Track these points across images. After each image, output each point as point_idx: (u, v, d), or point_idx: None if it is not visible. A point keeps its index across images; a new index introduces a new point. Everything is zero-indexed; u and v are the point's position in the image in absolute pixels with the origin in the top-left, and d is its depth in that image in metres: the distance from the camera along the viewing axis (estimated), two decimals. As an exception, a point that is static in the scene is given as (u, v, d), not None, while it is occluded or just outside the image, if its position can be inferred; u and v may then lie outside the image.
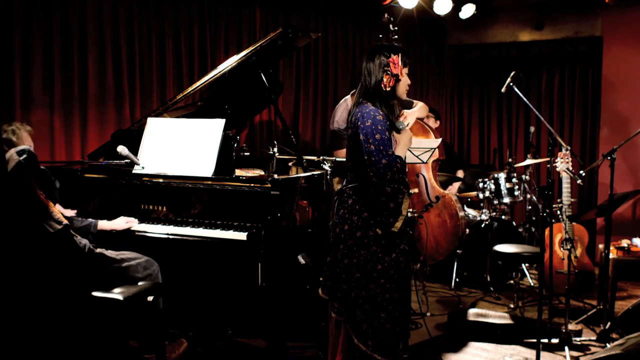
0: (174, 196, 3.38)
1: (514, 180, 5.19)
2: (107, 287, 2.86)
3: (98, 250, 2.98)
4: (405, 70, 2.77)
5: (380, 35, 4.76)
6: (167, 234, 3.25)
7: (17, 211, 2.65)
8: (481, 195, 5.26)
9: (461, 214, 4.82)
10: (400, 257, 2.71)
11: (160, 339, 3.06)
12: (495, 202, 5.22)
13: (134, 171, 3.46)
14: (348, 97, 4.60)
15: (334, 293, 2.75)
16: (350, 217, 2.71)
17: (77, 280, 2.82)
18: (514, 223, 5.40)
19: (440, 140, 3.93)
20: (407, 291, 2.80)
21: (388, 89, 2.72)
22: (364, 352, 2.67)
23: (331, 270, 2.77)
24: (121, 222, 3.30)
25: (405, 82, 2.78)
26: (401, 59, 2.73)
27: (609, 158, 3.79)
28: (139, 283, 2.97)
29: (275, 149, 3.92)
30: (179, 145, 3.48)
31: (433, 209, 4.62)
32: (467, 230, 5.06)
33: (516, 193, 5.19)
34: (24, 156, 2.74)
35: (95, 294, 2.80)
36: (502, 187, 5.18)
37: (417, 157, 3.76)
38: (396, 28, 4.85)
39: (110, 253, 3.00)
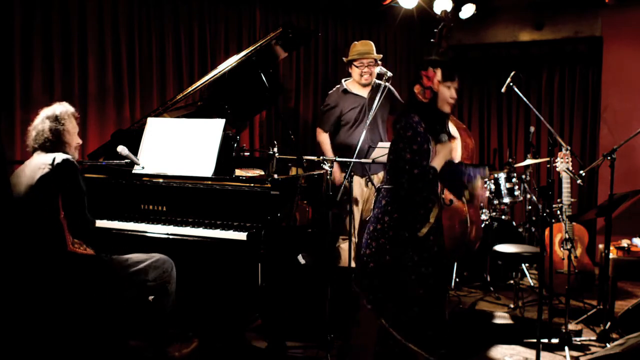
0: (174, 196, 3.38)
1: (514, 180, 5.19)
2: (119, 292, 2.86)
3: (113, 257, 2.97)
4: (448, 84, 2.86)
5: (435, 30, 4.77)
6: (167, 234, 3.25)
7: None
8: (481, 195, 5.26)
9: (476, 216, 4.81)
10: (430, 259, 2.85)
11: (163, 338, 3.07)
12: (495, 202, 5.22)
13: (134, 171, 3.46)
14: (341, 83, 4.73)
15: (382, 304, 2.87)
16: (383, 217, 2.87)
17: (97, 289, 2.83)
18: (514, 223, 5.40)
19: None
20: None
21: (424, 100, 2.85)
22: (399, 341, 2.82)
23: (377, 278, 2.88)
24: None
25: (445, 95, 2.87)
26: (442, 72, 2.85)
27: (609, 158, 3.79)
28: (149, 284, 2.96)
29: (275, 149, 3.91)
30: (179, 145, 3.48)
31: (445, 212, 4.61)
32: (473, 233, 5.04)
33: (516, 193, 5.19)
34: (58, 163, 2.73)
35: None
36: (502, 187, 5.18)
37: None
38: (452, 25, 4.85)
39: (119, 258, 2.98)
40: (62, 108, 2.99)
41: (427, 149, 2.79)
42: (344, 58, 4.73)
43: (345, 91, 4.66)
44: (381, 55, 4.67)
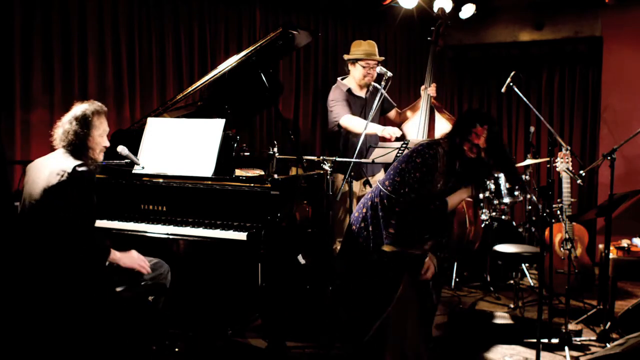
0: (174, 196, 3.38)
1: (514, 180, 5.18)
2: (118, 293, 2.85)
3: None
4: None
5: (432, 28, 4.74)
6: (167, 234, 3.25)
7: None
8: (481, 195, 5.26)
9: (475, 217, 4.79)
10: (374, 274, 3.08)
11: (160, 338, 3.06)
12: (495, 202, 5.21)
13: (134, 171, 3.47)
14: (337, 82, 4.70)
15: None
16: (362, 208, 3.12)
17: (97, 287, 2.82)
18: (514, 223, 5.40)
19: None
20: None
21: (472, 155, 2.95)
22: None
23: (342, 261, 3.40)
24: (134, 261, 2.95)
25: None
26: (490, 130, 2.94)
27: (609, 158, 3.79)
28: (146, 284, 2.95)
29: (275, 149, 3.91)
30: (179, 145, 3.48)
31: None
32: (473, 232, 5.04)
33: (516, 193, 5.18)
34: (76, 174, 2.69)
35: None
36: (502, 187, 5.17)
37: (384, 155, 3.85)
38: (449, 23, 4.83)
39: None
40: (92, 108, 2.88)
41: (431, 180, 2.92)
42: (345, 55, 4.71)
43: (349, 91, 4.63)
44: (383, 58, 4.66)
